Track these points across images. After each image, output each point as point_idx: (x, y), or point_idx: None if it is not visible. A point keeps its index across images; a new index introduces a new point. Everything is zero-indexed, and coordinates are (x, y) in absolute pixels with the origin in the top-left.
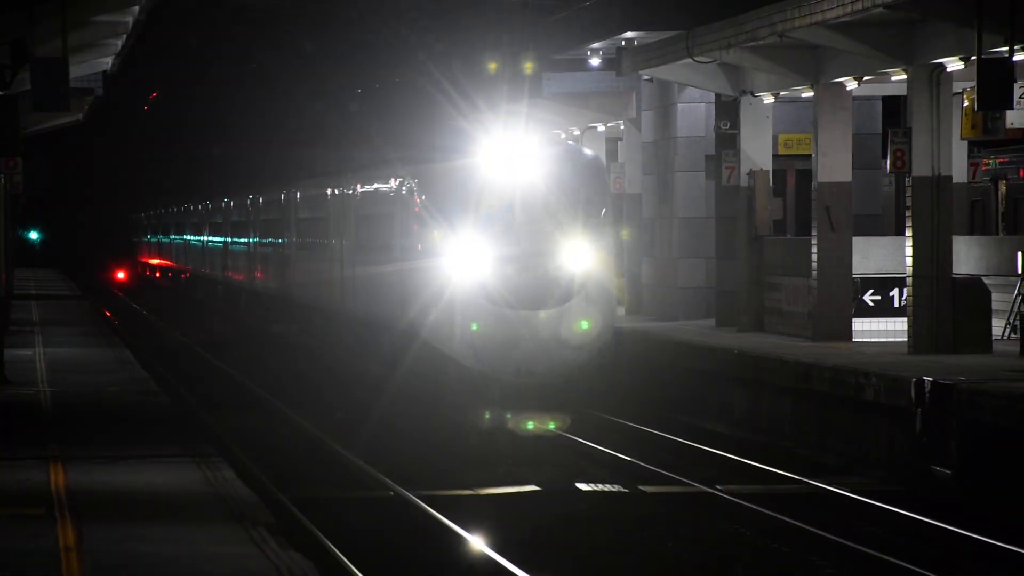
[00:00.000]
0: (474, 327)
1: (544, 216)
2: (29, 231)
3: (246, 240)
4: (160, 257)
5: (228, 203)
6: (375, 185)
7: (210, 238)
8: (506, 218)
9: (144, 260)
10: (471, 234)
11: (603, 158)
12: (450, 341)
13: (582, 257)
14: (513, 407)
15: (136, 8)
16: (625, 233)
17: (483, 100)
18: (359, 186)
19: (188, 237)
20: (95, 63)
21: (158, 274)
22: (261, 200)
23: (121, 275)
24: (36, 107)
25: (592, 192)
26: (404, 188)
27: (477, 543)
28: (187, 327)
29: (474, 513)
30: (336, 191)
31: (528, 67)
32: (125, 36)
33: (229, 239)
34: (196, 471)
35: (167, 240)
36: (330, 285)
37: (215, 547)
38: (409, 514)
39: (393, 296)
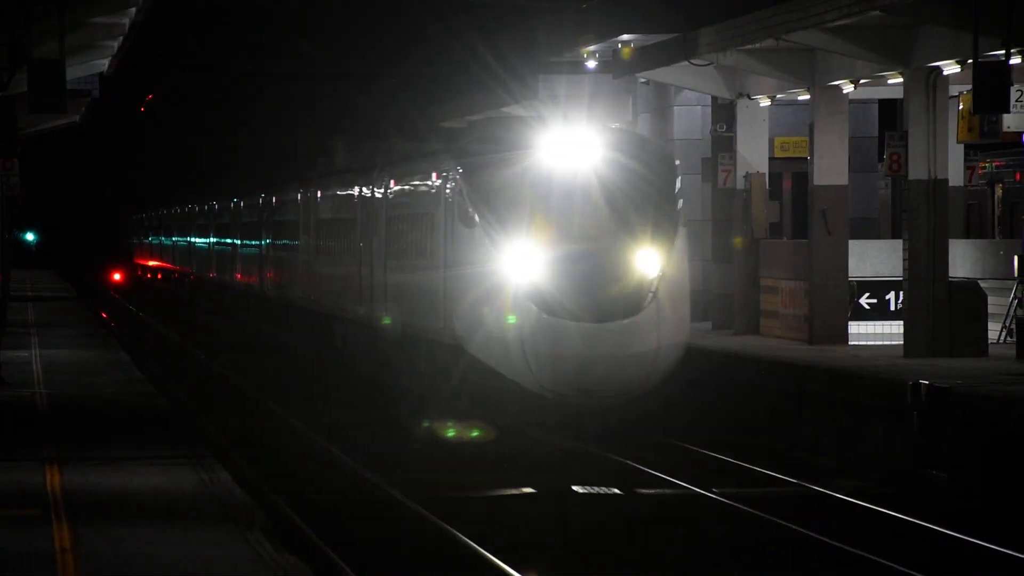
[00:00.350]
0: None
1: (610, 216)
2: (26, 233)
3: (257, 242)
4: (159, 259)
5: (238, 203)
6: (413, 180)
7: (216, 240)
8: (567, 218)
9: (142, 262)
10: (526, 236)
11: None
12: (505, 357)
13: (653, 263)
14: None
15: (132, 10)
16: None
17: (542, 86)
18: (393, 182)
19: (191, 239)
20: (92, 65)
21: (159, 276)
22: (274, 200)
23: (117, 277)
24: (33, 108)
25: (664, 189)
26: (448, 184)
27: (473, 546)
28: (185, 329)
29: (470, 516)
30: (366, 187)
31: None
32: (122, 38)
33: (238, 241)
34: (191, 473)
35: (168, 242)
36: (356, 292)
37: (210, 549)
38: (405, 517)
39: (435, 305)
